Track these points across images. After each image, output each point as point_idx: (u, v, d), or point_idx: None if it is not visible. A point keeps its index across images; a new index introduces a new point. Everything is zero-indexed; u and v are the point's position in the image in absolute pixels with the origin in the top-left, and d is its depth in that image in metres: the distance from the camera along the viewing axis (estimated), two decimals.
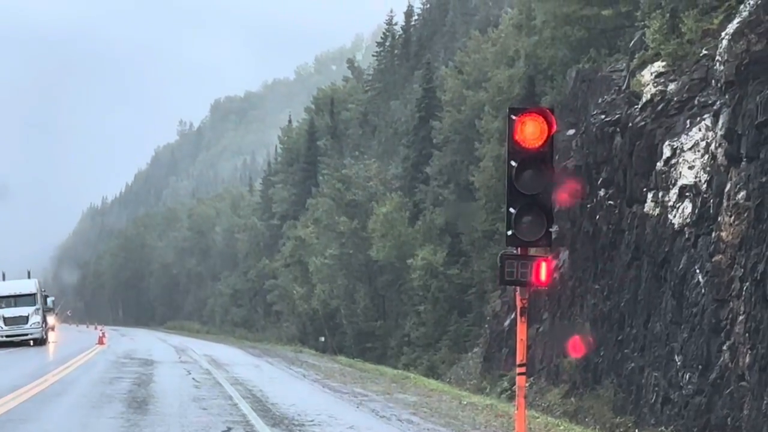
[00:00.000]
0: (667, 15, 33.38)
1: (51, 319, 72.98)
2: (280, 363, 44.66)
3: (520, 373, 12.49)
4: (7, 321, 63.48)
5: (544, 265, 12.29)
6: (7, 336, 63.06)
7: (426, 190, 68.73)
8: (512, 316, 44.37)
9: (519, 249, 12.41)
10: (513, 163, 12.19)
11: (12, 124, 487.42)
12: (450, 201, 64.84)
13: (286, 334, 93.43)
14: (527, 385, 39.28)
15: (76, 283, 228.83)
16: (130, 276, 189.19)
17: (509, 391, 40.19)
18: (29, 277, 70.79)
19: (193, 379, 32.26)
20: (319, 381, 32.74)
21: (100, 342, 61.41)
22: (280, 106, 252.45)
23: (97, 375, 34.21)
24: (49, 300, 73.37)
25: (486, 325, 52.00)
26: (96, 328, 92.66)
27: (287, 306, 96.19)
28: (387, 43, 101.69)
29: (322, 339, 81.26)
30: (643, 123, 32.03)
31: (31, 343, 63.02)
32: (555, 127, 12.20)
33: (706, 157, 27.60)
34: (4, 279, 72.24)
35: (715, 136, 26.98)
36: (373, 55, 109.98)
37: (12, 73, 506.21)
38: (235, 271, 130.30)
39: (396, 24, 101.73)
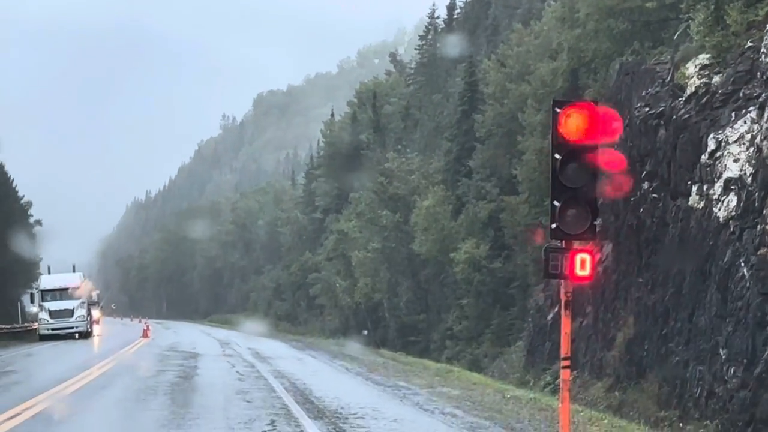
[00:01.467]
0: (712, 7, 33.09)
1: (96, 313, 73.56)
2: (323, 356, 44.77)
3: (565, 367, 12.46)
4: (53, 314, 64.05)
5: (587, 259, 12.25)
6: (53, 329, 63.65)
7: (468, 183, 68.59)
8: (555, 310, 44.24)
9: (563, 242, 12.37)
10: (557, 156, 12.15)
11: (59, 117, 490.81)
12: (493, 194, 64.70)
13: (329, 328, 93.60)
14: (571, 378, 39.16)
15: (120, 276, 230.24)
16: (174, 269, 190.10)
17: (552, 385, 40.09)
18: (74, 271, 71.38)
19: (237, 372, 32.39)
20: (362, 374, 32.78)
21: (145, 335, 61.78)
22: (323, 100, 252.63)
23: (141, 368, 34.44)
24: (94, 293, 73.94)
25: (529, 319, 51.86)
26: (140, 321, 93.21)
27: (330, 299, 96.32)
28: (429, 37, 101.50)
29: (365, 332, 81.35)
30: (687, 115, 31.81)
31: (77, 336, 63.53)
32: (602, 120, 12.16)
33: (752, 149, 27.38)
34: (49, 273, 72.88)
35: (761, 128, 26.77)
36: (415, 49, 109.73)
37: (60, 67, 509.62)
38: (278, 265, 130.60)
39: (438, 17, 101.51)
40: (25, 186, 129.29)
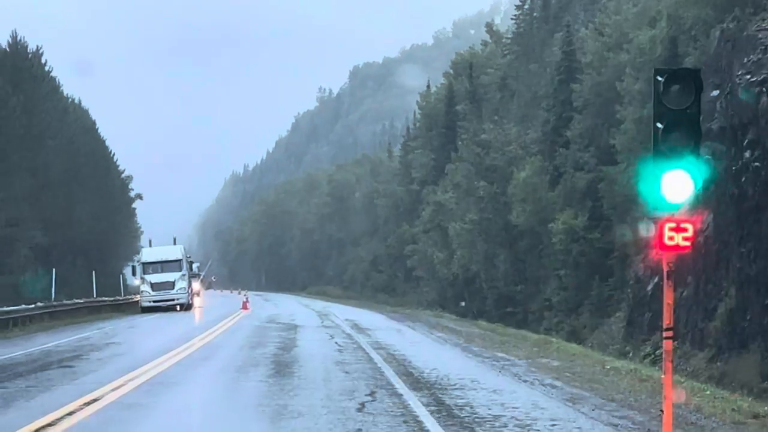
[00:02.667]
0: None
1: (196, 285, 74.45)
2: (421, 327, 44.82)
3: (667, 338, 12.32)
4: (155, 287, 64.95)
5: (690, 228, 12.09)
6: (154, 301, 64.57)
7: (566, 153, 68.13)
8: (655, 280, 43.82)
9: (666, 212, 12.21)
10: (659, 125, 11.99)
11: (159, 93, 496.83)
12: (591, 164, 64.22)
13: (427, 299, 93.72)
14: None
15: (220, 249, 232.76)
16: (272, 242, 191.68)
17: (653, 356, 39.77)
18: (175, 244, 72.22)
19: (336, 343, 32.58)
20: (460, 345, 32.78)
21: (244, 307, 62.32)
22: (419, 72, 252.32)
23: (241, 339, 34.80)
24: (194, 266, 74.83)
25: (628, 290, 51.46)
26: (239, 294, 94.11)
27: (427, 271, 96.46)
28: (526, 6, 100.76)
29: (463, 304, 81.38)
30: None
31: (178, 308, 64.34)
32: (702, 88, 11.96)
33: None
34: (150, 246, 73.86)
35: None
36: (511, 19, 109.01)
37: (161, 42, 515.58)
38: (375, 237, 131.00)
39: None
40: (126, 161, 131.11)
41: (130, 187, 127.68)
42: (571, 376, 22.89)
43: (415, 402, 17.45)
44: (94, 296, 73.21)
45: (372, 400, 17.73)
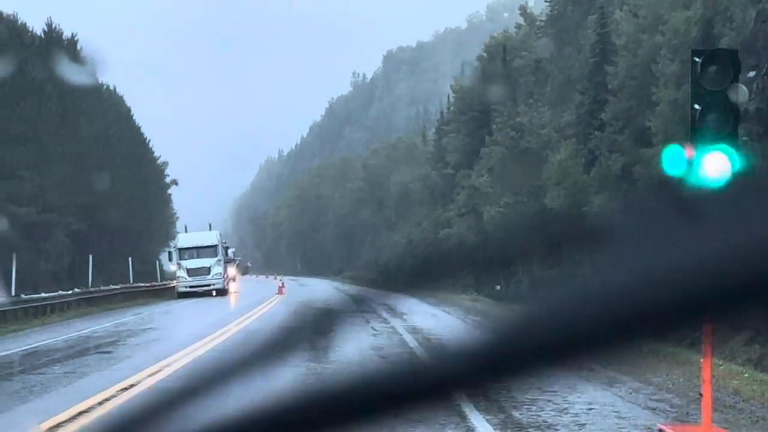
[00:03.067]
0: None
1: (232, 270, 74.59)
2: (456, 311, 44.76)
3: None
4: (191, 272, 65.16)
5: None
6: (190, 286, 64.76)
7: (601, 136, 67.73)
8: None
9: None
10: (696, 107, 11.89)
11: (193, 79, 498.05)
12: (626, 147, 63.84)
13: (462, 283, 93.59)
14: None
15: (255, 234, 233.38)
16: (307, 227, 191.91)
17: (689, 339, 39.52)
18: (210, 229, 72.42)
19: (372, 328, 32.53)
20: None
21: (280, 292, 62.47)
22: (452, 55, 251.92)
23: (277, 324, 34.81)
24: (230, 251, 75.03)
25: None
26: (275, 279, 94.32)
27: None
28: None
29: (498, 288, 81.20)
30: None
31: (214, 293, 64.49)
32: (740, 69, 11.85)
33: None
34: (186, 231, 74.12)
35: None
36: (545, 1, 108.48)
37: (195, 27, 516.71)
38: (409, 221, 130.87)
39: None
40: (161, 147, 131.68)
41: (165, 173, 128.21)
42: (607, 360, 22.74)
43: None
44: (131, 282, 73.62)
45: None
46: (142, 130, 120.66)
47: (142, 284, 73.97)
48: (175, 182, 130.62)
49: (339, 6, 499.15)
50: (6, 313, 39.95)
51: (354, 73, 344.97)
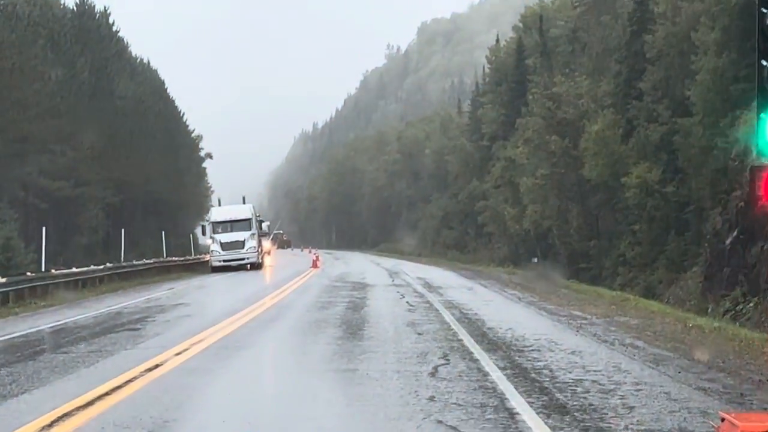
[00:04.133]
0: None
1: (266, 244, 74.09)
2: (493, 285, 44.06)
3: None
4: (225, 246, 64.58)
5: None
6: (224, 260, 64.23)
7: (639, 106, 66.69)
8: (734, 234, 42.60)
9: None
10: (764, 63, 11.01)
11: (228, 52, 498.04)
12: (665, 117, 62.82)
13: (498, 256, 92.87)
14: (752, 305, 37.43)
15: (290, 207, 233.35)
16: (342, 200, 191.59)
17: (733, 312, 38.63)
18: (244, 203, 71.85)
19: (407, 302, 31.88)
20: (534, 304, 31.93)
21: (314, 266, 61.97)
22: (487, 26, 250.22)
23: (311, 299, 34.21)
24: (264, 225, 74.46)
25: (705, 244, 50.18)
26: (310, 252, 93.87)
27: (498, 227, 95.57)
28: None
29: (535, 260, 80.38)
30: None
31: (248, 267, 63.99)
32: None
33: None
34: (220, 205, 73.60)
35: None
36: None
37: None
38: (445, 193, 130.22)
39: None
40: (196, 120, 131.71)
41: (200, 146, 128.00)
42: (652, 336, 21.97)
43: (491, 366, 16.59)
44: (164, 256, 73.29)
45: (446, 364, 16.93)
46: (177, 103, 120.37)
47: (176, 258, 73.61)
48: (209, 155, 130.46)
49: None
50: (36, 289, 39.50)
51: (388, 45, 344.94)
